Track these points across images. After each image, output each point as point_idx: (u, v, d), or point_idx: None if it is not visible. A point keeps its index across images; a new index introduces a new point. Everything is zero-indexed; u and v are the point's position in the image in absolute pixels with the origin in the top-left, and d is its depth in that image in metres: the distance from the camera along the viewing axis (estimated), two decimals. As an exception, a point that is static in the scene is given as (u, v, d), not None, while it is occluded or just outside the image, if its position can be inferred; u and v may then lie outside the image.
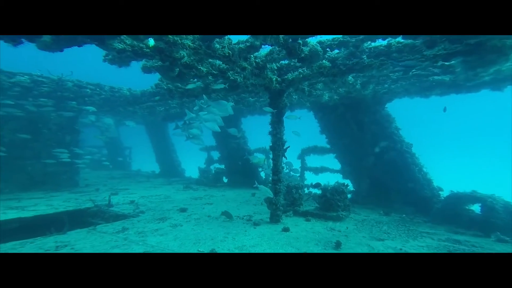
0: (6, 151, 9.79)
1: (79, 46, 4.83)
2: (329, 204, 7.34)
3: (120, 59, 5.32)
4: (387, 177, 9.13)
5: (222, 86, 6.45)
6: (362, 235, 6.01)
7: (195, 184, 12.81)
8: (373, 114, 9.34)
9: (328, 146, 11.02)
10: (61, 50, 4.84)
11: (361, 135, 9.58)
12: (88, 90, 10.50)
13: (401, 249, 5.20)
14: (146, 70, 6.08)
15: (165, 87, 7.25)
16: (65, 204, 8.10)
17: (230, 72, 6.02)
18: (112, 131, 13.83)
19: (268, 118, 7.26)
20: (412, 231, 6.45)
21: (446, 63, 6.26)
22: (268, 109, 6.52)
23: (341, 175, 10.57)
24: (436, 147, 64.41)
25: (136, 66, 5.93)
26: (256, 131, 16.87)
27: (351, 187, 9.26)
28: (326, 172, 11.41)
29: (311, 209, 7.65)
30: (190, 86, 6.78)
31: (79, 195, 9.56)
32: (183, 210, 7.59)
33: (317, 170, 11.77)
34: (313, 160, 12.21)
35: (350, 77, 7.22)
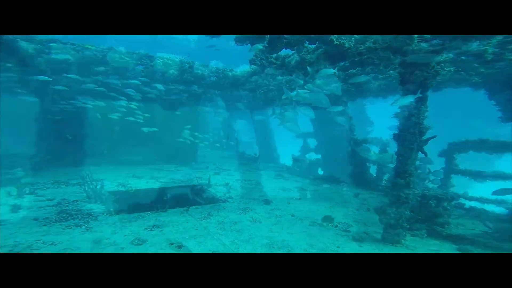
0: (158, 129, 11.82)
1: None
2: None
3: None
4: None
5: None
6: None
7: (287, 173, 11.85)
8: None
9: None
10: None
11: None
12: (199, 71, 11.05)
13: None
14: (239, 41, 5.64)
15: (259, 63, 6.44)
16: (181, 178, 9.20)
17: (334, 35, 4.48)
18: (222, 113, 14.69)
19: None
20: None
21: None
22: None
23: None
24: None
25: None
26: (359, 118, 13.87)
27: None
28: (507, 181, 7.30)
29: (470, 234, 5.14)
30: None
31: (194, 171, 10.67)
32: (267, 202, 6.82)
33: (480, 176, 7.79)
34: (467, 161, 8.76)
35: None
